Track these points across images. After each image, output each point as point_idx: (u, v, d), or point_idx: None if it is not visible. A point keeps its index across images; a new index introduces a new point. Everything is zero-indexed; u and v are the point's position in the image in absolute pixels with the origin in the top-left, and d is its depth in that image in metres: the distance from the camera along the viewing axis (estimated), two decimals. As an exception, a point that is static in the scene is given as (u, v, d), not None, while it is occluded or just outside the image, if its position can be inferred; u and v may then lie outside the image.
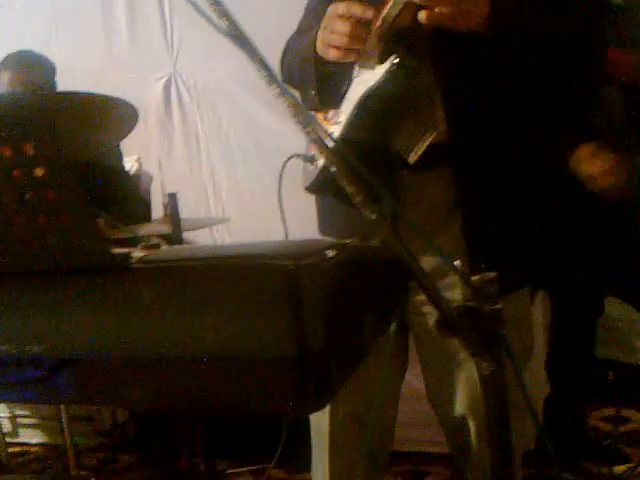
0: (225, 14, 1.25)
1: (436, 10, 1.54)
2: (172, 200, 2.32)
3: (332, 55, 1.71)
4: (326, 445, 1.95)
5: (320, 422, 1.95)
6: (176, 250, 1.48)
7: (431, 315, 1.23)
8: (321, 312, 1.11)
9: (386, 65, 1.63)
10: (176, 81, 3.77)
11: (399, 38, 1.65)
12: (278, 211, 2.25)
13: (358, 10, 1.63)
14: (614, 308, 3.22)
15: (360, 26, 1.64)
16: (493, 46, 1.62)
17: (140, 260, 1.21)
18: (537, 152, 1.82)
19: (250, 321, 1.10)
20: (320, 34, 1.73)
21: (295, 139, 3.09)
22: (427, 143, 1.68)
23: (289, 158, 1.85)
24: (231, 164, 3.71)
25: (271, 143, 3.44)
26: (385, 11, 1.64)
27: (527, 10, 1.64)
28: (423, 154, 1.69)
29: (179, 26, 3.70)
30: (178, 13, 3.67)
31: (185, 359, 1.14)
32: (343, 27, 1.65)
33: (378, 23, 1.66)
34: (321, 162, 1.79)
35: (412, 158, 1.70)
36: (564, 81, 1.77)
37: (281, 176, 1.83)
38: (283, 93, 1.25)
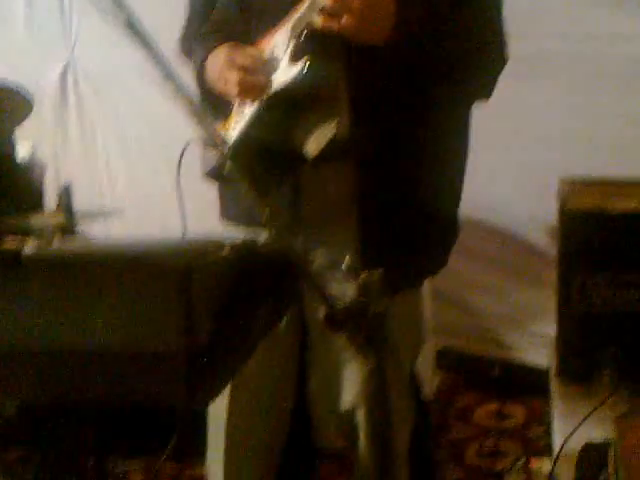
0: (123, 7, 1.27)
1: (342, 21, 1.59)
2: (66, 192, 2.28)
3: (233, 99, 1.83)
4: (223, 436, 1.98)
5: (218, 414, 1.98)
6: (69, 245, 1.48)
7: (323, 309, 1.28)
8: (210, 310, 1.16)
9: (297, 66, 1.68)
10: (73, 68, 3.72)
11: (312, 38, 1.70)
12: (175, 202, 2.23)
13: (246, 59, 1.77)
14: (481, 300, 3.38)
15: (251, 73, 1.76)
16: (396, 55, 1.68)
17: (32, 255, 1.22)
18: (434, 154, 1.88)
19: (141, 317, 1.13)
20: (215, 81, 1.86)
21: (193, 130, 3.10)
22: (329, 137, 1.72)
23: (188, 143, 1.86)
24: (127, 154, 3.69)
25: (168, 134, 3.41)
26: (299, 13, 1.70)
27: (428, 24, 1.71)
28: (325, 149, 1.73)
29: (78, 12, 3.64)
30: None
31: (75, 353, 1.17)
32: (235, 77, 1.76)
33: (292, 23, 1.72)
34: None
35: (314, 150, 1.73)
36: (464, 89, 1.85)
37: (180, 162, 1.84)
38: (178, 90, 1.27)
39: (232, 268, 1.27)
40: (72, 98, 3.71)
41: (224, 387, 1.26)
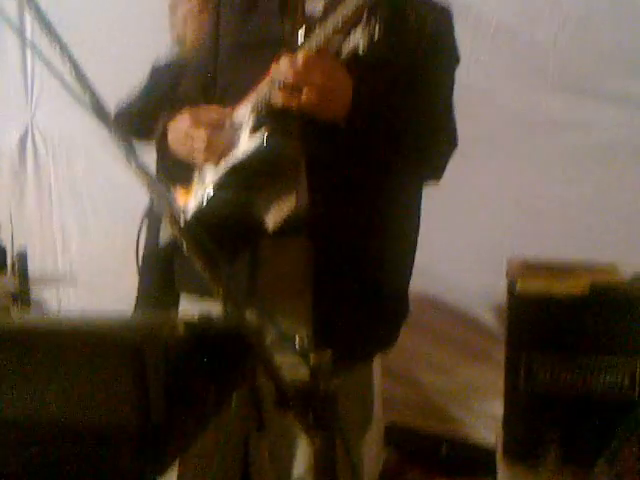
0: (89, 88, 1.30)
1: (302, 96, 1.64)
2: (21, 258, 2.30)
3: (198, 160, 1.85)
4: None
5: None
6: (25, 317, 1.49)
7: (273, 388, 1.31)
8: (163, 387, 1.16)
9: (257, 137, 1.73)
10: (32, 131, 3.77)
11: (271, 113, 1.75)
12: (127, 268, 2.23)
13: (212, 118, 1.81)
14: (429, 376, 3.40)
15: (217, 131, 1.80)
16: (352, 134, 1.73)
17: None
18: (386, 232, 1.91)
19: (94, 393, 1.14)
20: (179, 143, 1.88)
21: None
22: (288, 212, 1.76)
23: (145, 215, 1.89)
24: (82, 219, 3.72)
25: (125, 200, 3.44)
26: (261, 88, 1.76)
27: (382, 105, 1.77)
28: (283, 223, 1.77)
29: (40, 75, 3.70)
30: (40, 62, 3.65)
31: (27, 426, 1.17)
32: (201, 134, 1.80)
33: (253, 99, 1.78)
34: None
35: (273, 225, 1.77)
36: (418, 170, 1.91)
37: (139, 233, 1.88)
38: (139, 169, 1.30)
39: (186, 345, 1.28)
40: (30, 161, 3.76)
41: (174, 463, 1.26)
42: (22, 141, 3.77)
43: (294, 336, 1.33)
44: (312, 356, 1.27)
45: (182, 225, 1.30)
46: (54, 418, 1.15)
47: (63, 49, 1.31)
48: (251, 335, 1.27)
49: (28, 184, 3.76)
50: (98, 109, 1.31)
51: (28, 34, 3.39)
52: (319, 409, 1.24)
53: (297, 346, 1.31)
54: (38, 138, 3.76)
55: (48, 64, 1.30)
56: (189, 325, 1.31)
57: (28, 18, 3.45)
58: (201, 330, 1.34)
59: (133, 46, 3.34)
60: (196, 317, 1.42)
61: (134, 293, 2.52)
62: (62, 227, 3.72)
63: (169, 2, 2.54)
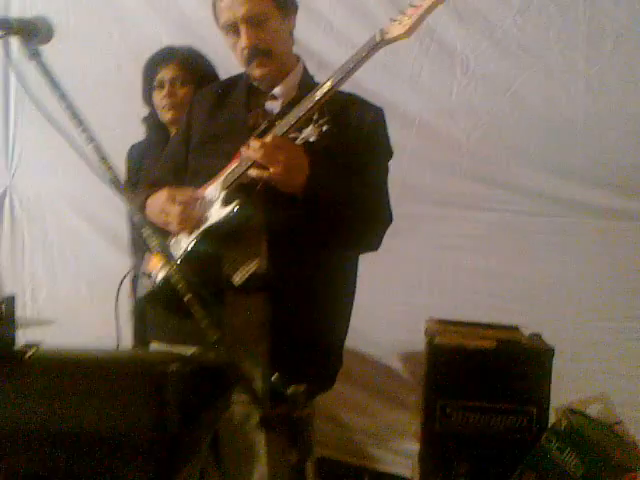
0: (109, 166, 1.58)
1: (270, 170, 1.96)
2: (9, 302, 2.49)
3: (173, 230, 2.16)
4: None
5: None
6: (59, 349, 1.70)
7: (237, 408, 1.59)
8: (178, 407, 1.46)
9: (228, 208, 2.06)
10: (10, 194, 4.02)
11: (241, 188, 2.08)
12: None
13: (185, 197, 2.12)
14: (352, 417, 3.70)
15: (189, 208, 2.11)
16: (306, 204, 2.03)
17: (32, 354, 1.54)
18: (330, 292, 2.23)
19: (125, 408, 1.45)
20: (156, 215, 2.19)
21: (113, 255, 3.37)
22: (252, 270, 2.06)
23: (127, 273, 2.21)
24: (51, 272, 3.97)
25: (90, 257, 3.77)
26: (233, 166, 2.10)
27: (332, 182, 2.08)
28: (246, 280, 2.06)
29: (20, 141, 3.96)
30: (21, 127, 3.93)
31: (68, 436, 1.46)
32: (175, 210, 2.12)
33: (226, 175, 2.10)
34: (159, 277, 2.13)
35: (238, 281, 2.07)
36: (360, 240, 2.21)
37: (119, 290, 2.17)
38: (152, 235, 1.61)
39: (190, 375, 1.55)
40: (7, 220, 4.03)
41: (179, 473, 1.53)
42: (0, 202, 4.03)
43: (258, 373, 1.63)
44: (290, 389, 1.49)
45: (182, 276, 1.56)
46: (92, 428, 1.45)
47: (84, 125, 1.58)
48: (236, 369, 1.54)
49: (3, 239, 4.02)
50: (117, 185, 1.58)
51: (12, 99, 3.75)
52: (295, 429, 1.47)
53: (274, 380, 1.54)
54: (15, 199, 4.02)
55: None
56: (186, 360, 1.62)
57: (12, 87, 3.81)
58: (195, 365, 1.61)
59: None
60: (191, 355, 1.76)
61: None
62: (32, 278, 3.98)
63: (163, 91, 2.93)
